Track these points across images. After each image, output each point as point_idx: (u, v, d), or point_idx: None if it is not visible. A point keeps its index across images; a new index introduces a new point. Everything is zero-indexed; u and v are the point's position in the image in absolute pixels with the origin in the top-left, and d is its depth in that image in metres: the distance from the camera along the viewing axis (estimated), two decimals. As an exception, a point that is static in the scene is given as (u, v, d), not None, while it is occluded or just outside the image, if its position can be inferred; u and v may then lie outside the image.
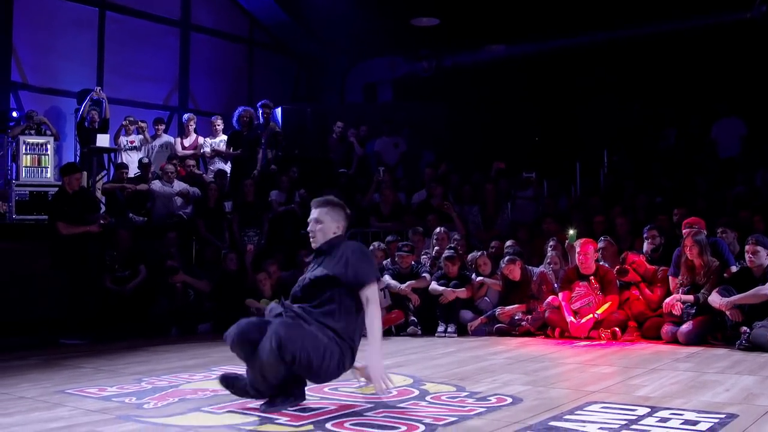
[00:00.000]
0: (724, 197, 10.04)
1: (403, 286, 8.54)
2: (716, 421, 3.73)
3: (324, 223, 4.37)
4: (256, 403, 4.20)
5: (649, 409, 4.01)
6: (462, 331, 8.36)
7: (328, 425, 3.80)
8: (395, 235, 9.77)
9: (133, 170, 11.72)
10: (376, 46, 15.34)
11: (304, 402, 4.33)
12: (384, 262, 8.92)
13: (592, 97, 14.20)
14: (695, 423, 3.70)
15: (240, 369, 4.39)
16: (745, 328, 6.53)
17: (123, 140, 12.19)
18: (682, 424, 3.70)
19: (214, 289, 9.32)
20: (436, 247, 9.37)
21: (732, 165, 11.09)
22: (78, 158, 11.79)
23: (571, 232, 8.85)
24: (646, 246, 8.23)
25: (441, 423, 3.82)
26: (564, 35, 13.72)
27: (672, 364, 5.82)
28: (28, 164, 10.81)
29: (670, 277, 7.55)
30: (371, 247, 9.01)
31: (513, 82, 14.47)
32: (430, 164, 12.71)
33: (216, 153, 12.38)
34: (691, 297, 7.13)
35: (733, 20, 12.49)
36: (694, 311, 7.07)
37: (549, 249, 8.71)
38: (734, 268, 7.32)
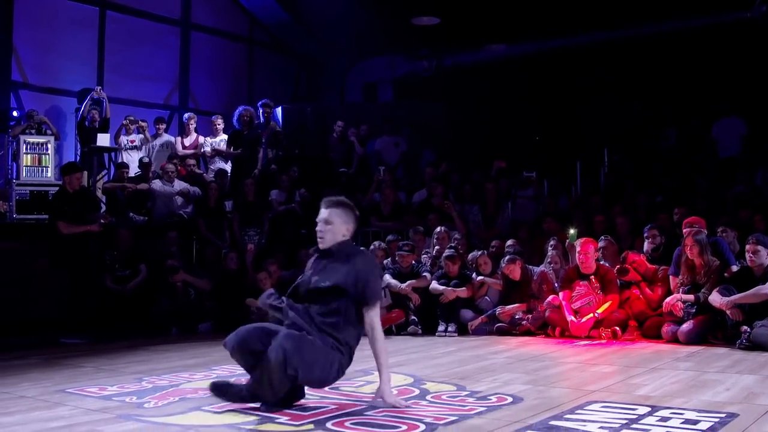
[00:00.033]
0: (725, 197, 10.03)
1: (403, 285, 8.54)
2: (717, 420, 3.73)
3: (333, 224, 4.26)
4: (257, 402, 4.20)
5: (649, 409, 4.01)
6: (462, 331, 8.36)
7: (329, 424, 3.80)
8: (396, 235, 9.77)
9: (133, 170, 11.72)
10: (376, 45, 15.34)
11: (305, 401, 4.33)
12: (384, 262, 8.92)
13: (592, 96, 14.20)
14: (696, 422, 3.70)
15: (239, 368, 4.39)
16: (745, 327, 6.52)
17: (123, 139, 12.19)
18: (682, 423, 3.70)
19: (215, 288, 9.33)
20: (436, 247, 9.37)
21: (732, 164, 11.08)
22: (78, 158, 11.79)
23: (572, 231, 8.85)
24: (646, 245, 8.23)
25: (441, 422, 3.82)
26: (564, 35, 13.72)
27: (672, 363, 5.82)
28: (29, 164, 10.82)
29: (670, 277, 7.55)
30: (371, 247, 9.01)
31: (513, 81, 14.47)
32: (430, 163, 12.70)
33: (216, 152, 12.39)
34: (691, 296, 7.13)
35: (734, 20, 12.48)
36: (694, 310, 7.07)
37: (549, 248, 8.71)
38: (735, 268, 7.31)
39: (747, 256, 6.87)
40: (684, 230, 7.73)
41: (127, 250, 9.56)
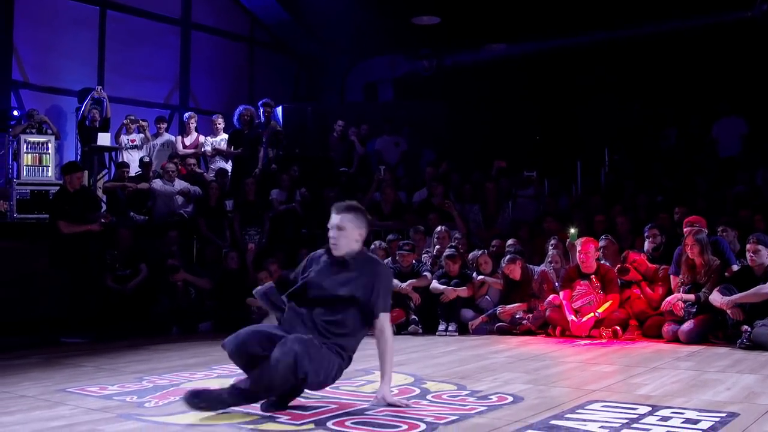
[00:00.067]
0: (725, 196, 10.04)
1: (404, 284, 8.54)
2: (717, 419, 3.73)
3: (346, 229, 4.22)
4: (257, 402, 4.20)
5: (650, 408, 4.01)
6: (463, 330, 8.36)
7: (329, 424, 3.80)
8: (396, 234, 9.78)
9: (134, 169, 11.73)
10: (376, 45, 15.34)
11: (305, 401, 4.33)
12: (385, 261, 8.92)
13: (592, 96, 14.20)
14: (696, 422, 3.70)
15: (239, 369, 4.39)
16: (746, 326, 6.52)
17: (124, 139, 12.20)
18: (683, 422, 3.70)
19: (215, 287, 9.33)
20: (437, 246, 9.37)
21: (732, 164, 11.09)
22: (79, 157, 11.80)
23: (572, 230, 8.85)
24: (647, 245, 8.23)
25: (442, 422, 3.82)
26: (564, 35, 13.71)
27: (673, 362, 5.82)
28: (29, 163, 10.83)
29: (671, 276, 7.55)
30: (372, 246, 9.01)
31: (513, 81, 14.47)
32: (430, 163, 12.70)
33: (217, 152, 12.39)
34: (692, 296, 7.13)
35: (734, 19, 12.48)
36: (695, 310, 7.07)
37: (550, 248, 8.71)
38: (735, 267, 7.31)
39: (747, 255, 6.87)
40: (684, 230, 7.73)
41: (127, 250, 9.56)
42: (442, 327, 8.33)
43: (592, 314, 7.59)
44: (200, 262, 10.23)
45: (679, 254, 7.42)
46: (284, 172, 11.92)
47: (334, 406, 4.24)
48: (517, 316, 8.21)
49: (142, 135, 12.23)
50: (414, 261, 8.81)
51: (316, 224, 10.53)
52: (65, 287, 8.67)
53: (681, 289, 7.31)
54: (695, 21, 12.75)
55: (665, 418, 3.78)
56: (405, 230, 10.10)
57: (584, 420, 3.79)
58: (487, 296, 8.68)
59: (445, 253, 8.78)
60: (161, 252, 9.88)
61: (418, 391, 4.70)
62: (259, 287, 4.39)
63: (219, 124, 12.58)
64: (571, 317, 7.65)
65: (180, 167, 11.65)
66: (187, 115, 12.89)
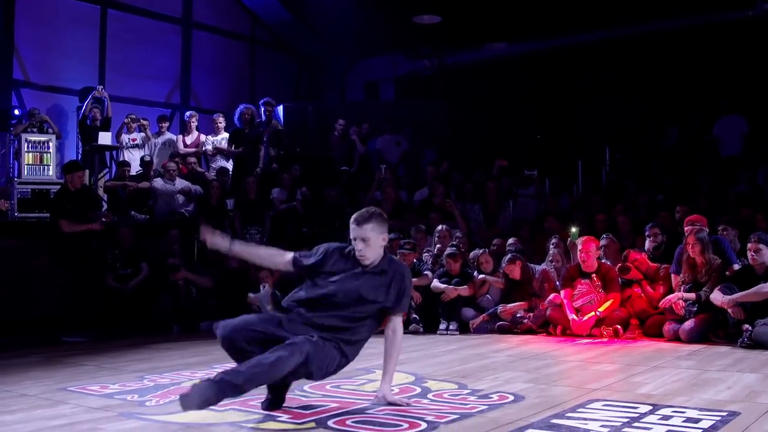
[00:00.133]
0: (726, 195, 10.03)
1: (404, 284, 8.52)
2: (718, 419, 3.72)
3: (371, 239, 4.12)
4: (258, 401, 4.20)
5: (651, 407, 4.01)
6: (464, 329, 8.36)
7: (330, 423, 3.80)
8: (397, 233, 9.77)
9: (135, 168, 11.74)
10: (377, 44, 15.33)
11: (306, 400, 4.34)
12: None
13: (593, 95, 14.19)
14: (697, 421, 3.70)
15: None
16: (747, 325, 6.52)
17: (125, 138, 12.21)
18: (683, 421, 3.70)
19: (216, 286, 9.33)
20: (437, 245, 9.37)
21: (734, 163, 11.08)
22: (80, 156, 11.81)
23: (573, 229, 8.85)
24: (647, 244, 8.23)
25: (443, 420, 3.82)
26: (565, 34, 13.71)
27: (674, 361, 5.82)
28: (30, 162, 10.84)
29: (672, 275, 7.55)
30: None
31: (514, 80, 14.46)
32: (431, 162, 12.71)
33: (218, 151, 12.40)
34: (693, 295, 7.13)
35: (735, 18, 12.47)
36: (696, 309, 7.07)
37: (551, 247, 8.71)
38: (736, 266, 7.31)
39: (749, 254, 6.87)
40: (685, 229, 7.72)
41: (128, 249, 9.57)
42: (443, 326, 8.33)
43: (593, 313, 7.59)
44: (201, 261, 10.22)
45: (680, 253, 7.42)
46: (285, 171, 11.93)
47: (335, 405, 4.25)
48: (518, 315, 8.22)
49: (143, 134, 12.24)
50: (415, 260, 8.81)
51: (317, 223, 10.55)
52: (66, 286, 8.68)
53: (682, 288, 7.31)
54: (696, 20, 12.74)
55: (666, 417, 3.78)
56: (406, 229, 10.09)
57: (585, 419, 3.78)
58: (488, 295, 8.68)
59: (446, 252, 8.78)
60: (162, 251, 9.88)
61: (419, 390, 4.71)
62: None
63: (220, 123, 12.59)
64: (572, 316, 7.66)
65: (181, 166, 11.66)
66: (188, 114, 12.91)
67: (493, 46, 14.98)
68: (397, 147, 13.37)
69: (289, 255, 4.29)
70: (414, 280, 8.53)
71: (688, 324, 6.99)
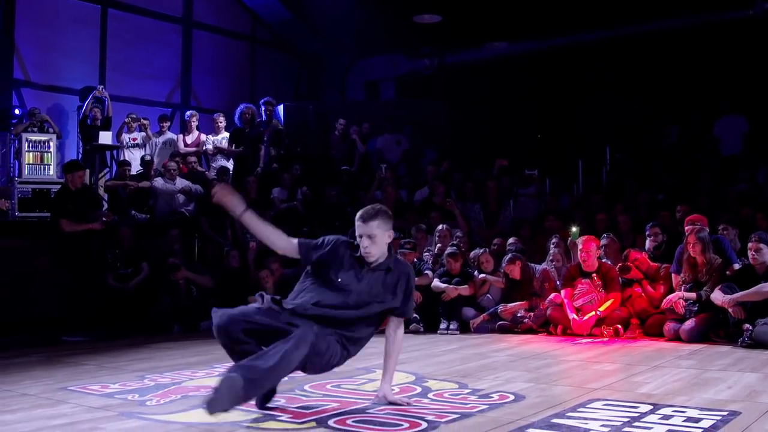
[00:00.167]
0: (727, 195, 10.03)
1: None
2: (719, 418, 3.72)
3: (377, 236, 4.09)
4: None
5: (651, 407, 4.01)
6: (464, 329, 8.37)
7: (331, 422, 3.80)
8: (397, 233, 9.74)
9: (135, 167, 11.75)
10: (378, 43, 15.33)
11: (306, 399, 4.34)
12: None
13: (593, 94, 14.18)
14: (698, 420, 3.70)
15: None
16: (747, 325, 6.52)
17: (125, 137, 12.22)
18: (684, 421, 3.69)
19: (217, 286, 9.33)
20: (438, 245, 9.37)
21: (734, 162, 11.08)
22: (80, 156, 11.82)
23: (574, 229, 8.85)
24: (648, 243, 8.23)
25: (443, 420, 3.82)
26: (565, 33, 13.70)
27: (674, 361, 5.82)
28: (31, 162, 10.84)
29: (672, 275, 7.55)
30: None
31: (514, 79, 14.45)
32: (432, 162, 12.71)
33: (218, 150, 12.40)
34: (693, 294, 7.13)
35: (735, 18, 12.46)
36: (696, 308, 7.07)
37: (551, 246, 8.71)
38: (737, 266, 7.31)
39: (749, 254, 6.87)
40: (686, 228, 7.72)
41: (129, 248, 9.56)
42: (443, 325, 8.34)
43: (593, 313, 7.59)
44: (202, 261, 10.23)
45: (681, 253, 7.42)
46: (286, 171, 11.93)
47: (335, 404, 4.25)
48: (519, 315, 8.22)
49: (143, 133, 12.25)
50: (415, 259, 8.80)
51: (317, 223, 10.54)
52: (66, 286, 8.68)
53: (682, 287, 7.31)
54: (696, 19, 12.73)
55: (666, 417, 3.78)
56: (406, 229, 10.09)
57: (585, 418, 3.78)
58: (488, 295, 8.69)
59: (446, 252, 8.78)
60: (163, 250, 9.88)
61: (419, 389, 4.71)
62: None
63: (220, 122, 12.60)
64: (572, 316, 7.66)
65: (181, 166, 11.66)
66: (188, 113, 12.92)
67: (494, 45, 14.97)
68: (398, 146, 13.37)
69: (295, 241, 4.23)
70: (415, 279, 8.58)
71: (689, 323, 7.00)
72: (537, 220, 10.44)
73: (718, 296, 6.84)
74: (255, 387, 3.67)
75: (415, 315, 8.41)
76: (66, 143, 12.34)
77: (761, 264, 6.78)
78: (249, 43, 16.21)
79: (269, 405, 4.12)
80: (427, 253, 9.35)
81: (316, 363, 3.88)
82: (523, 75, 14.50)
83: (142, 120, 12.28)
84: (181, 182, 11.09)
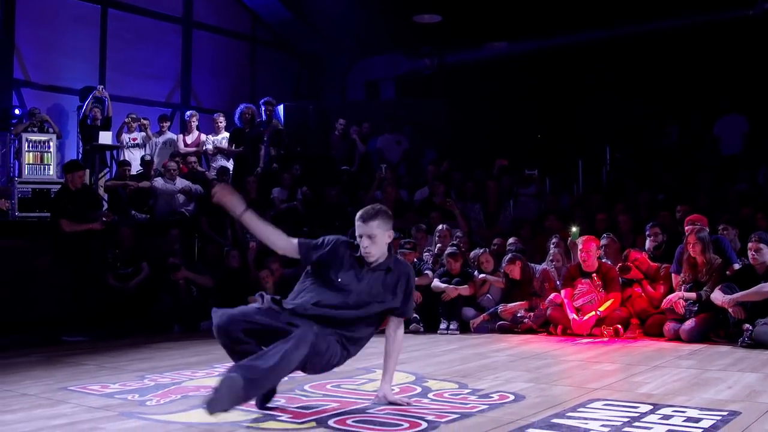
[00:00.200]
0: (727, 195, 10.03)
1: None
2: (719, 418, 3.72)
3: (377, 236, 4.08)
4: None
5: (651, 407, 4.01)
6: (464, 329, 8.37)
7: (331, 422, 3.80)
8: (397, 233, 9.75)
9: (135, 167, 11.75)
10: (378, 43, 15.33)
11: (306, 399, 4.34)
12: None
13: (593, 94, 14.18)
14: (698, 420, 3.70)
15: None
16: (747, 325, 6.52)
17: (125, 137, 12.22)
18: (684, 421, 3.69)
19: (217, 286, 9.33)
20: (438, 245, 9.37)
21: (734, 162, 11.08)
22: (80, 156, 11.82)
23: (574, 229, 8.85)
24: (648, 243, 8.23)
25: (443, 420, 3.82)
26: (565, 33, 13.69)
27: (674, 361, 5.82)
28: (31, 162, 10.84)
29: (672, 275, 7.55)
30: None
31: (515, 79, 14.45)
32: (432, 161, 12.71)
33: (218, 150, 12.40)
34: (693, 294, 7.13)
35: (735, 18, 12.46)
36: (696, 308, 7.07)
37: (551, 246, 8.71)
38: (737, 266, 7.31)
39: (749, 254, 6.87)
40: (686, 228, 7.73)
41: (129, 248, 9.57)
42: (443, 325, 8.34)
43: (593, 313, 7.59)
44: (202, 261, 10.23)
45: (681, 253, 7.42)
46: (286, 171, 11.93)
47: (335, 404, 4.25)
48: (519, 315, 8.22)
49: (143, 133, 12.25)
50: (415, 259, 8.80)
51: (317, 223, 10.53)
52: (67, 286, 8.68)
53: (682, 287, 7.31)
54: (696, 19, 12.72)
55: (666, 417, 3.78)
56: (406, 229, 10.09)
57: (585, 418, 3.78)
58: (488, 295, 8.68)
59: (446, 252, 8.78)
60: (163, 250, 9.89)
61: (419, 389, 4.71)
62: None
63: (220, 122, 12.60)
64: (572, 316, 7.66)
65: (181, 166, 11.66)
66: (188, 113, 12.92)
67: (494, 45, 14.97)
68: (398, 146, 13.37)
69: (295, 241, 4.21)
70: (415, 279, 8.58)
71: (689, 323, 7.00)
72: (537, 220, 10.44)
73: (718, 296, 6.84)
74: (255, 387, 3.67)
75: (415, 315, 8.40)
76: (66, 143, 12.34)
77: (761, 264, 6.78)
78: (249, 43, 16.22)
79: (269, 405, 4.12)
80: (427, 253, 9.35)
81: (316, 363, 3.88)
82: (523, 75, 14.50)
83: (142, 120, 12.29)
84: (181, 182, 11.09)
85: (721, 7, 12.44)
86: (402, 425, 3.71)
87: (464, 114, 14.70)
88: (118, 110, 12.30)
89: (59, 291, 8.73)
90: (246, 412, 4.03)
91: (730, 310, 6.74)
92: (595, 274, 7.78)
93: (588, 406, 4.08)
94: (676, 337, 7.05)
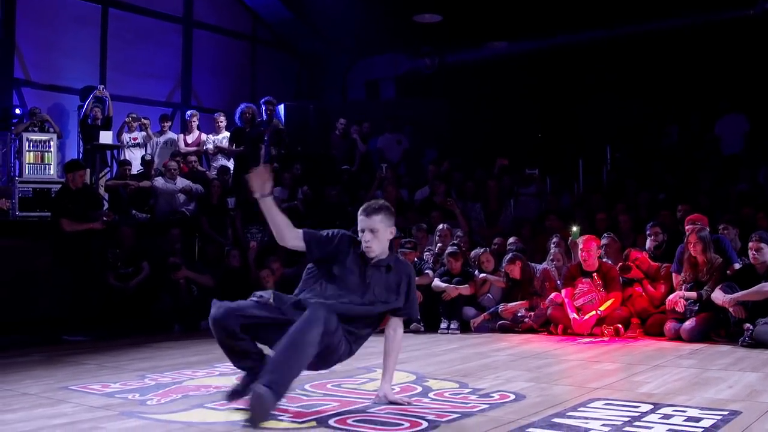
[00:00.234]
0: (727, 194, 10.03)
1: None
2: (719, 418, 3.72)
3: (379, 231, 4.06)
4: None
5: (652, 406, 4.01)
6: (465, 328, 8.37)
7: (331, 422, 3.79)
8: (398, 232, 9.75)
9: (136, 167, 11.75)
10: (378, 43, 15.34)
11: (306, 398, 4.34)
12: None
13: (593, 94, 14.18)
14: (698, 420, 3.69)
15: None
16: (748, 324, 6.52)
17: (126, 137, 12.22)
18: (685, 420, 3.69)
19: (217, 285, 9.33)
20: (438, 244, 9.37)
21: (735, 162, 11.08)
22: (81, 155, 11.82)
23: (574, 228, 8.85)
24: (648, 243, 8.23)
25: (444, 419, 3.82)
26: (565, 33, 13.70)
27: (675, 360, 5.82)
28: (31, 161, 10.83)
29: (673, 274, 7.55)
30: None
31: (515, 78, 14.45)
32: (432, 161, 12.72)
33: (219, 150, 12.40)
34: (694, 294, 7.13)
35: (735, 17, 12.46)
36: (697, 308, 7.08)
37: (552, 246, 8.71)
38: (737, 265, 7.31)
39: (750, 253, 6.87)
40: (687, 228, 7.73)
41: (129, 248, 9.56)
42: (443, 325, 8.34)
43: (594, 312, 7.59)
44: (202, 260, 10.23)
45: (682, 252, 7.42)
46: (286, 170, 11.92)
47: (335, 404, 4.24)
48: (519, 314, 8.22)
49: (144, 133, 12.25)
50: (416, 259, 8.80)
51: (318, 222, 10.53)
52: (67, 285, 8.68)
53: (683, 287, 7.31)
54: (696, 19, 12.72)
55: (667, 416, 3.78)
56: (407, 228, 10.09)
57: (586, 418, 3.78)
58: (489, 294, 8.69)
59: (447, 251, 8.78)
60: (163, 250, 9.88)
61: (419, 389, 4.71)
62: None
63: (221, 122, 12.60)
64: (573, 315, 7.66)
65: (182, 165, 11.66)
66: (189, 113, 12.92)
67: (494, 45, 14.97)
68: (398, 146, 13.37)
69: (299, 233, 4.14)
70: (415, 279, 8.58)
71: (689, 323, 7.00)
72: (537, 219, 10.44)
73: (718, 296, 6.84)
74: (284, 385, 3.64)
75: (415, 314, 8.42)
76: (66, 143, 12.34)
77: (762, 263, 6.78)
78: (249, 42, 16.22)
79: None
80: (427, 253, 9.35)
81: (328, 354, 3.84)
82: (524, 74, 14.50)
83: (142, 119, 12.29)
84: (181, 182, 11.09)
85: (721, 7, 12.43)
86: (402, 425, 3.71)
87: (465, 113, 14.70)
88: (119, 110, 12.30)
89: (60, 290, 8.73)
90: (246, 412, 4.03)
91: (730, 309, 6.74)
92: (595, 274, 7.78)
93: (588, 405, 4.08)
94: (676, 337, 7.05)
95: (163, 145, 12.38)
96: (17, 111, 11.73)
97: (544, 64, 14.31)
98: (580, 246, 7.87)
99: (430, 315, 8.48)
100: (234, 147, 12.22)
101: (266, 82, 15.71)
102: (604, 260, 8.01)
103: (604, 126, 13.60)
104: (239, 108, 12.34)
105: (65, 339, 8.13)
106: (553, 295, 8.02)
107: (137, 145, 12.25)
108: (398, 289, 4.14)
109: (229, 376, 4.91)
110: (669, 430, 3.54)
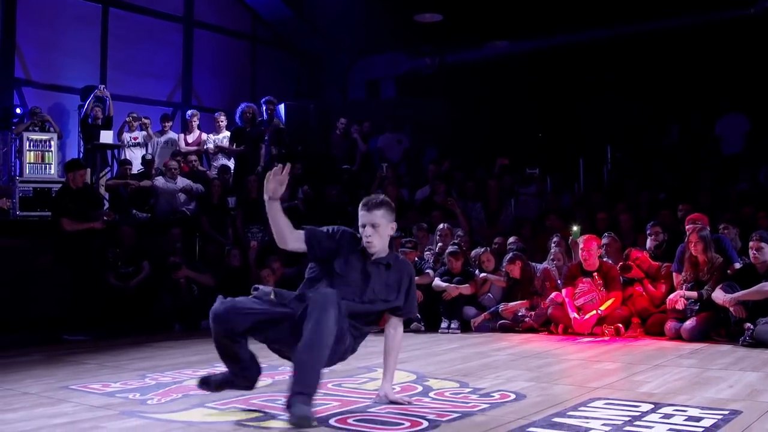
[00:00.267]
0: (728, 194, 10.03)
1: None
2: (720, 417, 3.72)
3: (380, 226, 4.02)
4: (259, 399, 4.20)
5: (652, 406, 4.01)
6: (465, 328, 8.37)
7: (332, 421, 3.79)
8: (399, 232, 9.75)
9: (136, 167, 11.75)
10: (378, 42, 15.33)
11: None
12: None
13: (593, 93, 14.17)
14: (699, 419, 3.69)
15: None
16: (748, 324, 6.52)
17: (126, 137, 12.22)
18: (685, 420, 3.69)
19: (218, 285, 9.33)
20: (439, 244, 9.37)
21: (735, 161, 11.08)
22: (82, 155, 11.82)
23: (575, 228, 8.84)
24: (649, 242, 8.23)
25: (444, 419, 3.82)
26: (566, 32, 13.69)
27: (675, 360, 5.82)
28: (32, 161, 10.84)
29: (673, 274, 7.55)
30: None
31: (515, 78, 14.44)
32: (433, 160, 12.71)
33: (219, 149, 12.40)
34: (694, 293, 7.13)
35: (736, 16, 12.46)
36: (697, 307, 7.08)
37: (552, 245, 8.71)
38: (738, 265, 7.31)
39: (750, 253, 6.87)
40: (687, 227, 7.73)
41: (130, 247, 9.56)
42: (444, 324, 8.34)
43: (594, 312, 7.59)
44: (203, 260, 10.24)
45: (682, 252, 7.42)
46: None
47: (336, 403, 4.24)
48: (520, 314, 8.22)
49: (144, 133, 12.25)
50: (416, 258, 8.80)
51: (318, 221, 10.53)
52: (68, 285, 8.68)
53: (684, 286, 7.31)
54: (697, 18, 12.71)
55: (668, 416, 3.78)
56: (407, 228, 10.09)
57: (586, 417, 3.78)
58: (489, 294, 8.68)
59: (447, 251, 8.78)
60: (164, 249, 9.89)
61: (420, 388, 4.71)
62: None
63: (221, 121, 12.60)
64: (573, 315, 7.66)
65: (182, 165, 11.66)
66: (189, 112, 12.92)
67: (495, 44, 14.96)
68: (399, 145, 13.37)
69: (300, 235, 4.06)
70: (416, 278, 8.57)
71: (690, 323, 7.00)
72: (538, 219, 10.44)
73: (719, 295, 6.84)
74: (315, 384, 3.65)
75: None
76: (67, 142, 12.34)
77: (762, 263, 6.78)
78: (250, 42, 16.21)
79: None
80: (428, 252, 9.34)
81: (334, 343, 3.76)
82: (524, 74, 14.49)
83: (143, 119, 12.29)
84: (182, 181, 11.09)
85: (721, 7, 12.43)
86: (403, 424, 3.71)
87: (465, 113, 14.70)
88: (119, 109, 12.30)
89: (60, 290, 8.73)
90: (247, 411, 4.04)
91: (731, 309, 6.74)
92: (596, 273, 7.78)
93: (589, 405, 4.08)
94: (677, 336, 7.05)
95: (163, 144, 12.38)
96: (18, 110, 11.73)
97: (545, 63, 14.31)
98: (581, 245, 7.87)
99: (430, 314, 8.48)
100: (234, 146, 12.22)
101: (266, 81, 15.70)
102: (604, 260, 8.01)
103: (605, 125, 13.59)
104: (240, 107, 12.34)
105: (66, 338, 8.13)
106: (553, 294, 8.02)
107: (138, 144, 12.25)
108: (398, 288, 4.13)
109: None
110: (669, 429, 3.54)
